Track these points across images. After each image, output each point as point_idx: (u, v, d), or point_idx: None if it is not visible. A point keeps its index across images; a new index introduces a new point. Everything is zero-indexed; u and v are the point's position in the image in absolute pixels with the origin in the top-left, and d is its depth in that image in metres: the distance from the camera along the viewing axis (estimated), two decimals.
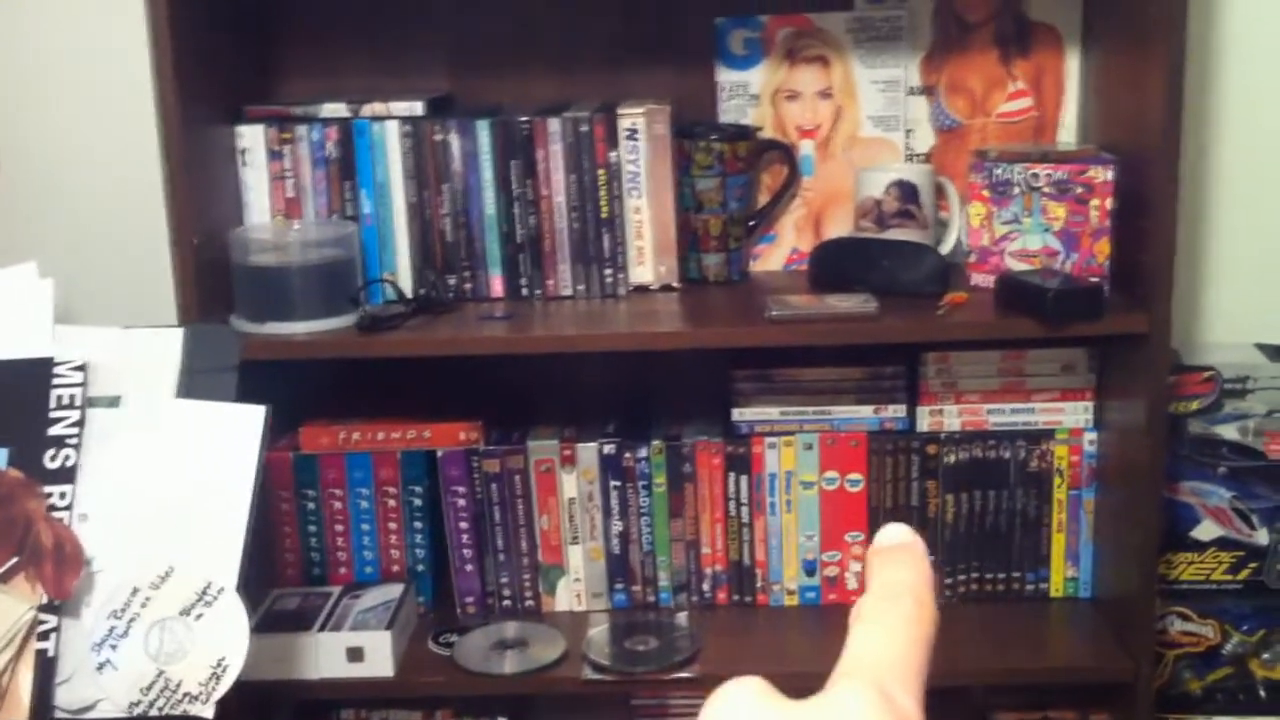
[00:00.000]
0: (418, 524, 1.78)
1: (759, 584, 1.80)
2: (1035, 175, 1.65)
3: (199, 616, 1.29)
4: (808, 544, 1.78)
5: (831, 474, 1.76)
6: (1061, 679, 1.74)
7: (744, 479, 1.76)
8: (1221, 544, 1.74)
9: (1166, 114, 1.52)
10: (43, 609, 1.28)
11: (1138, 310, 1.59)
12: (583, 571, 1.79)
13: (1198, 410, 1.78)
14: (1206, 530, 1.75)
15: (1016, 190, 1.66)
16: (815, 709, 0.35)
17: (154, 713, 1.27)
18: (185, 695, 1.27)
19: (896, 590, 0.40)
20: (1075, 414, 1.75)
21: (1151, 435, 1.61)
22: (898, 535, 0.43)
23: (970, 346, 1.73)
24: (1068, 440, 1.75)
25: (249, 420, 1.34)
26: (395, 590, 1.74)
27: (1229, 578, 1.75)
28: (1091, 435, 1.75)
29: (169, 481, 1.33)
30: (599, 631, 1.74)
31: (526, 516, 1.77)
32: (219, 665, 1.28)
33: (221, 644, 1.29)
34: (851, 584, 1.80)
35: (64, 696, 1.27)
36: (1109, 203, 1.63)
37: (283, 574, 1.78)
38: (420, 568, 1.79)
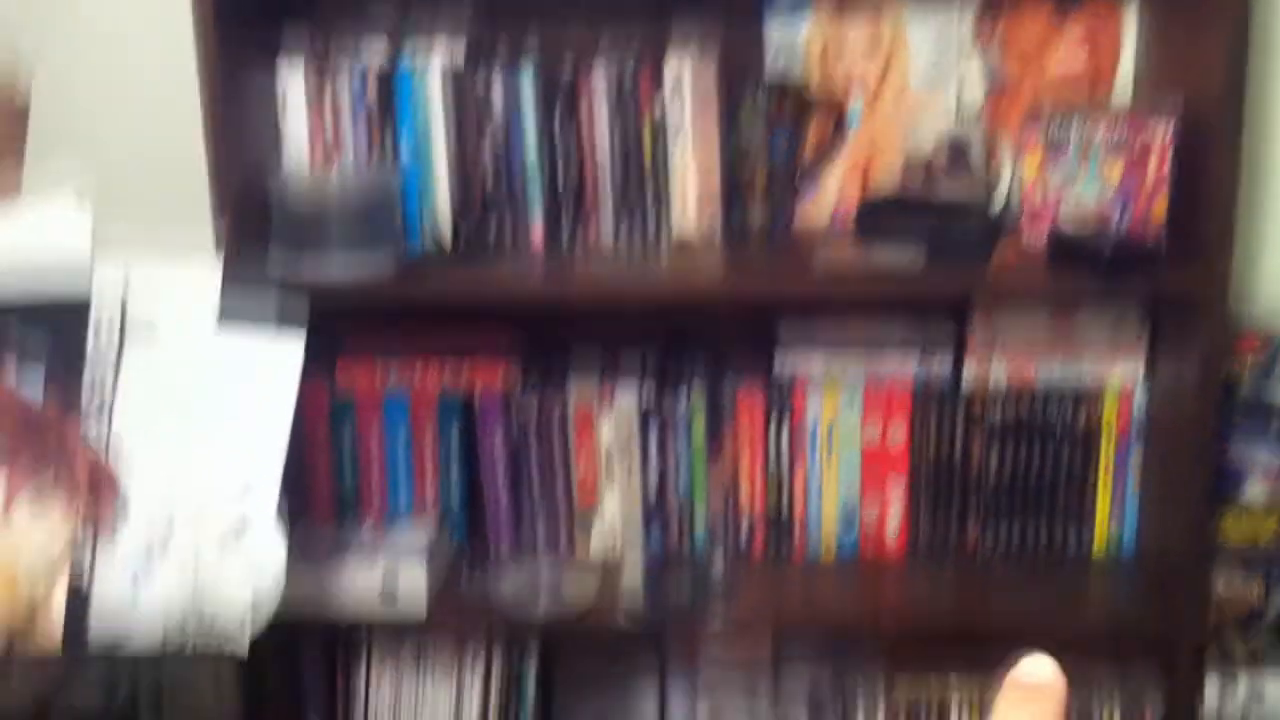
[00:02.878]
0: (453, 464, 1.76)
1: (796, 535, 1.78)
2: (1091, 132, 1.60)
3: (234, 551, 1.28)
4: (848, 495, 1.76)
5: (874, 426, 1.73)
6: (1104, 636, 1.71)
7: (784, 428, 1.74)
8: (1270, 505, 1.71)
9: (1228, 69, 1.47)
10: (77, 540, 1.27)
11: (1195, 269, 1.55)
12: (618, 516, 1.77)
13: (1250, 372, 1.74)
14: (1255, 491, 1.71)
15: (1072, 147, 1.62)
16: None
17: (188, 646, 1.26)
18: (221, 630, 1.27)
19: None
20: (1125, 371, 1.71)
21: (1204, 396, 1.58)
22: (1040, 673, 0.39)
23: (1020, 304, 1.70)
24: (1116, 398, 1.72)
25: (286, 351, 1.32)
26: (429, 528, 1.73)
27: (1276, 539, 1.72)
28: (1141, 393, 1.71)
29: (205, 413, 1.32)
30: (632, 576, 1.72)
31: (563, 459, 1.75)
32: (254, 599, 1.27)
33: (257, 579, 1.28)
34: (891, 537, 1.77)
35: (98, 628, 1.27)
36: (1167, 160, 1.58)
37: (316, 509, 1.77)
38: (454, 508, 1.78)
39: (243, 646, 1.26)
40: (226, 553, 1.28)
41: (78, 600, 1.26)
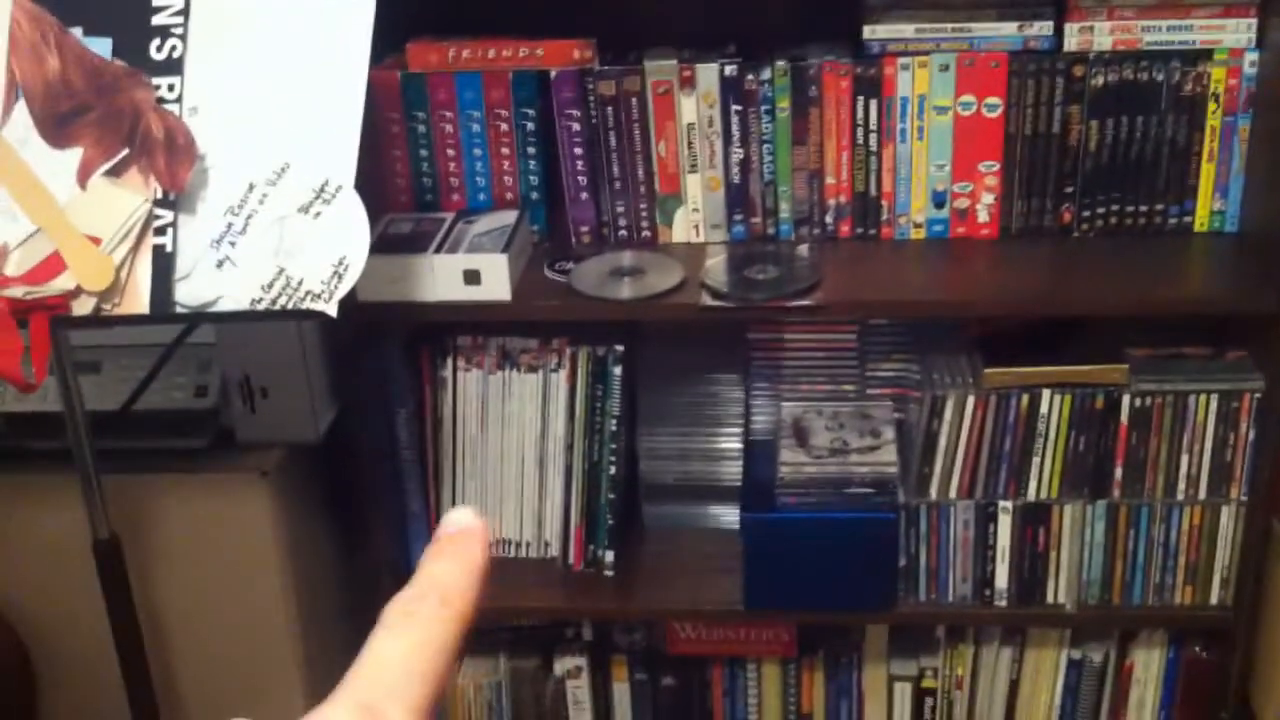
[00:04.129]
0: (530, 149, 1.71)
1: (884, 216, 1.73)
2: None
3: (318, 215, 1.25)
4: (938, 174, 1.70)
5: (968, 98, 1.65)
6: (1200, 311, 1.67)
7: (873, 103, 1.66)
8: None
9: None
10: (158, 203, 1.25)
11: None
12: (701, 202, 1.73)
13: None
14: None
15: None
16: None
17: (276, 309, 1.25)
18: (308, 293, 1.25)
19: (425, 587, 0.38)
20: (1237, 32, 1.61)
21: None
22: (460, 520, 0.41)
23: None
24: (1226, 61, 1.62)
25: (356, 8, 1.27)
26: (509, 217, 1.70)
27: None
28: (1253, 56, 1.62)
29: (277, 74, 1.27)
30: (717, 261, 1.69)
31: (643, 143, 1.70)
32: (340, 264, 1.25)
33: (342, 242, 1.25)
34: (983, 216, 1.72)
35: (184, 292, 1.26)
36: None
37: (394, 200, 1.74)
38: (534, 196, 1.74)
39: (331, 307, 1.25)
40: (309, 214, 1.25)
41: (162, 263, 1.25)
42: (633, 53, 1.69)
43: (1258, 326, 1.65)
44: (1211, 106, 1.64)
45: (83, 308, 1.25)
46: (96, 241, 1.24)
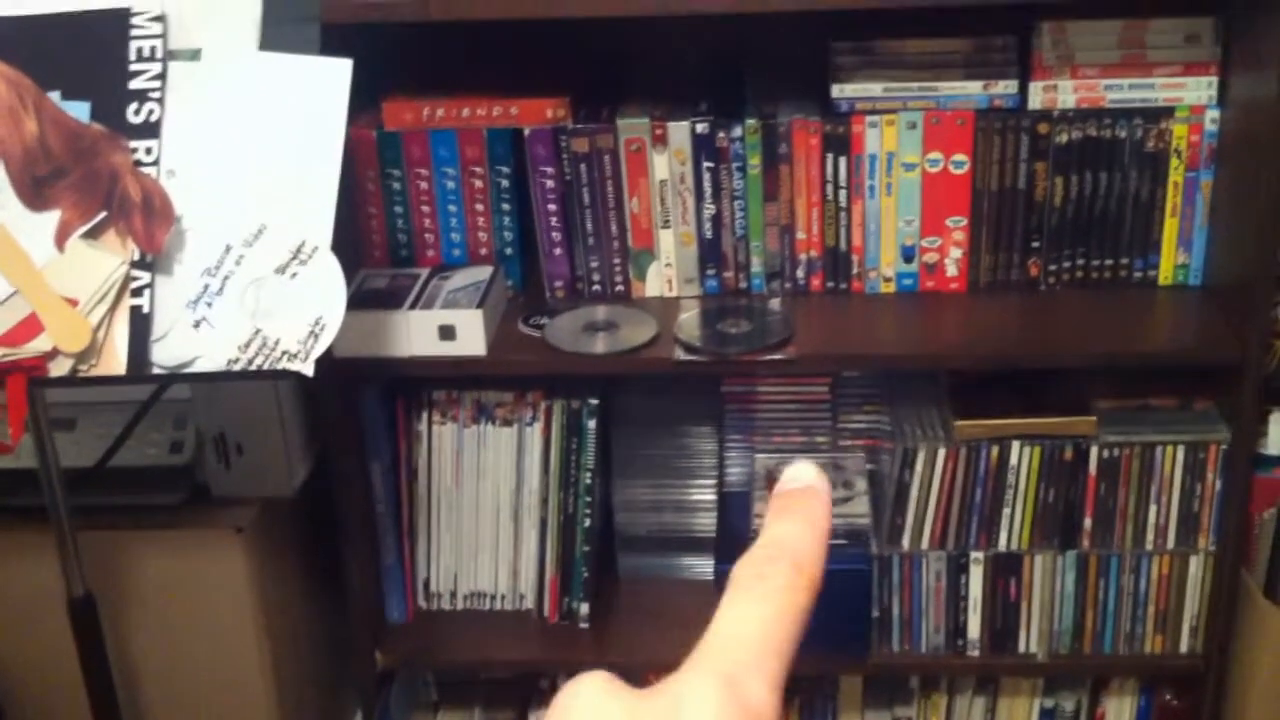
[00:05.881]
0: (505, 205, 1.73)
1: (855, 270, 1.75)
2: None
3: (294, 275, 1.27)
4: (907, 229, 1.72)
5: (935, 155, 1.68)
6: (1166, 363, 1.69)
7: (842, 160, 1.69)
8: None
9: None
10: (135, 265, 1.26)
11: None
12: (674, 256, 1.75)
13: None
14: None
15: None
16: (655, 700, 0.33)
17: (253, 369, 1.26)
18: (284, 353, 1.26)
19: (777, 550, 0.37)
20: (1198, 90, 1.65)
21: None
22: (802, 476, 0.39)
23: (1089, 15, 1.63)
24: (1188, 118, 1.66)
25: (333, 73, 1.28)
26: (484, 272, 1.71)
27: None
28: (1214, 113, 1.65)
29: (255, 137, 1.29)
30: (690, 315, 1.71)
31: (616, 199, 1.72)
32: (317, 324, 1.26)
33: (318, 302, 1.26)
34: (951, 270, 1.74)
35: (161, 353, 1.26)
36: None
37: (370, 255, 1.76)
38: (509, 251, 1.75)
39: (308, 367, 1.25)
40: (286, 275, 1.26)
41: (140, 324, 1.25)
42: (606, 109, 1.72)
43: (1223, 377, 1.67)
44: (1174, 162, 1.67)
45: (60, 369, 1.25)
46: (74, 303, 1.25)
